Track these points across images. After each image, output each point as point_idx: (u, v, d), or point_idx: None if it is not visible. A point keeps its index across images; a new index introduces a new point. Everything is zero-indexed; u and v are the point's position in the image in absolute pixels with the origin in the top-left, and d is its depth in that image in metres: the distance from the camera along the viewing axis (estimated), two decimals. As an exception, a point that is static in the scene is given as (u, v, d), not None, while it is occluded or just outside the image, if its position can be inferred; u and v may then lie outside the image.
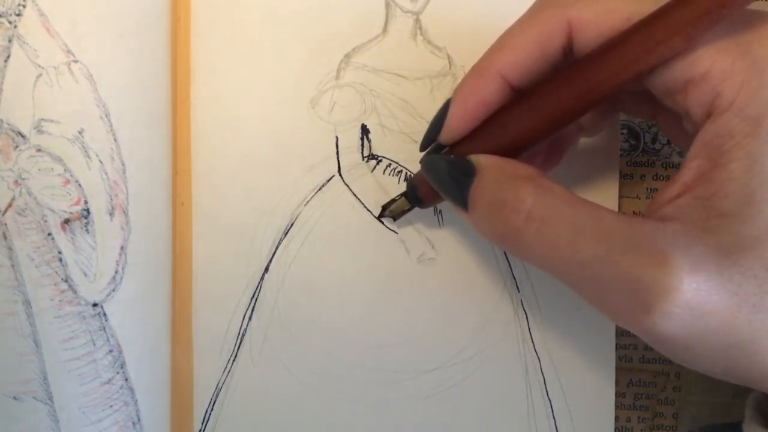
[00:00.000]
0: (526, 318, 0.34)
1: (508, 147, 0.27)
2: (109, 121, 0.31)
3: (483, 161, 0.27)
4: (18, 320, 0.31)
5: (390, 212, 0.33)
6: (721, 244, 0.22)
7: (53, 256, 0.31)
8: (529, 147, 0.27)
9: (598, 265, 0.23)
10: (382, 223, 0.34)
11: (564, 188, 0.25)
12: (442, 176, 0.28)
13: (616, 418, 0.35)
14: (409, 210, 0.33)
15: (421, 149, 0.30)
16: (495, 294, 0.34)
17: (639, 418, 0.36)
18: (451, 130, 0.28)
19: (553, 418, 0.34)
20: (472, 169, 0.27)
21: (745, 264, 0.21)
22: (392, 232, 0.34)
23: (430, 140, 0.30)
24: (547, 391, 0.34)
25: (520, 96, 0.27)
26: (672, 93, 0.25)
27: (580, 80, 0.25)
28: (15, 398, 0.31)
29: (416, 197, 0.32)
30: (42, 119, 0.30)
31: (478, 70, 0.28)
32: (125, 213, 0.32)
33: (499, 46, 0.27)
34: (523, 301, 0.34)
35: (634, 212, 0.35)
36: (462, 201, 0.27)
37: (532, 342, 0.34)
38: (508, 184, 0.25)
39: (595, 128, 0.32)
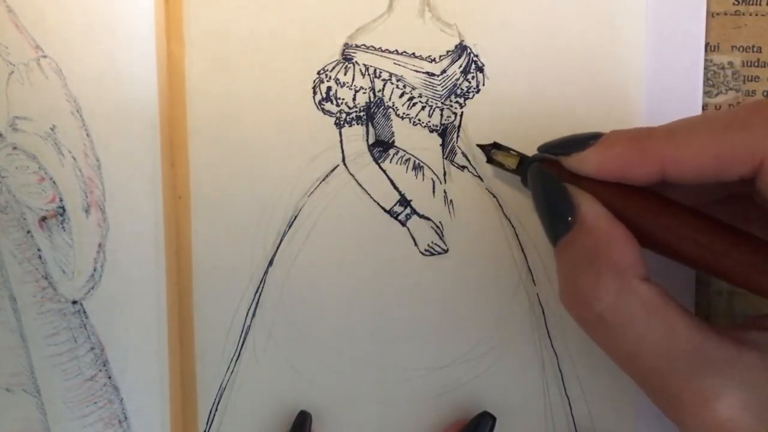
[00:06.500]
0: (543, 312, 0.33)
1: (634, 228, 0.25)
2: (81, 116, 0.31)
3: (585, 211, 0.25)
4: (6, 315, 0.32)
5: (493, 154, 0.30)
6: None
7: (33, 254, 0.31)
8: (650, 248, 0.26)
9: (655, 378, 0.24)
10: (390, 214, 0.33)
11: (652, 290, 0.24)
12: (539, 199, 0.27)
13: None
14: (507, 170, 0.30)
15: (540, 149, 0.28)
16: (509, 287, 0.33)
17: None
18: (585, 164, 0.26)
19: (572, 417, 0.33)
20: (567, 223, 0.26)
21: None
22: (400, 224, 0.33)
23: (554, 149, 0.27)
24: (565, 389, 0.33)
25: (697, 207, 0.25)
26: None
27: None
28: (7, 389, 0.32)
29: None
30: (16, 117, 0.31)
31: (642, 140, 0.25)
32: (102, 210, 0.32)
33: (678, 136, 0.24)
34: (539, 295, 0.33)
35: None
36: (552, 238, 0.27)
37: (549, 337, 0.33)
38: (595, 267, 0.24)
39: None
